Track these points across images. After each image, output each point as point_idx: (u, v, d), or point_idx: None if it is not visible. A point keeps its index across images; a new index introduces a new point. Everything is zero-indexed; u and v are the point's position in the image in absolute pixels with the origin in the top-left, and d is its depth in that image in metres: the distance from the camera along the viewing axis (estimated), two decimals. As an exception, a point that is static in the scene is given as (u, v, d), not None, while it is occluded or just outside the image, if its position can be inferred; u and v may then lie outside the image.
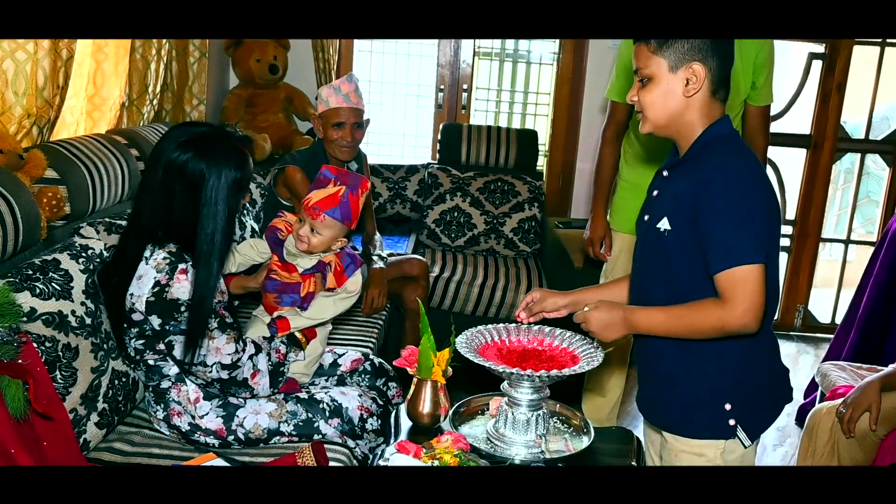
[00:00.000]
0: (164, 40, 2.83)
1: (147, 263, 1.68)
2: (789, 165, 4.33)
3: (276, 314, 1.97)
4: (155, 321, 1.65)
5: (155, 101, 2.87)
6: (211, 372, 1.72)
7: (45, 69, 2.08)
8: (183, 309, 1.65)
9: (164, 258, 1.64)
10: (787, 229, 4.33)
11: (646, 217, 1.65)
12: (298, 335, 1.94)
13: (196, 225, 1.66)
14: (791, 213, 4.34)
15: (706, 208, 1.47)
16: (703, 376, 1.58)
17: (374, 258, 2.85)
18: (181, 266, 1.64)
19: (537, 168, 4.11)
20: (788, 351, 4.19)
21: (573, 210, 4.31)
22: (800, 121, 4.28)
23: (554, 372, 1.60)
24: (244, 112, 3.79)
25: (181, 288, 1.64)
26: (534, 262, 3.70)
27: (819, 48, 4.10)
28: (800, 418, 3.27)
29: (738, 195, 1.46)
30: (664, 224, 1.56)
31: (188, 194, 1.66)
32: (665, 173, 1.64)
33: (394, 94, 4.36)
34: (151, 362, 1.76)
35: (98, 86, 2.54)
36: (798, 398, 3.38)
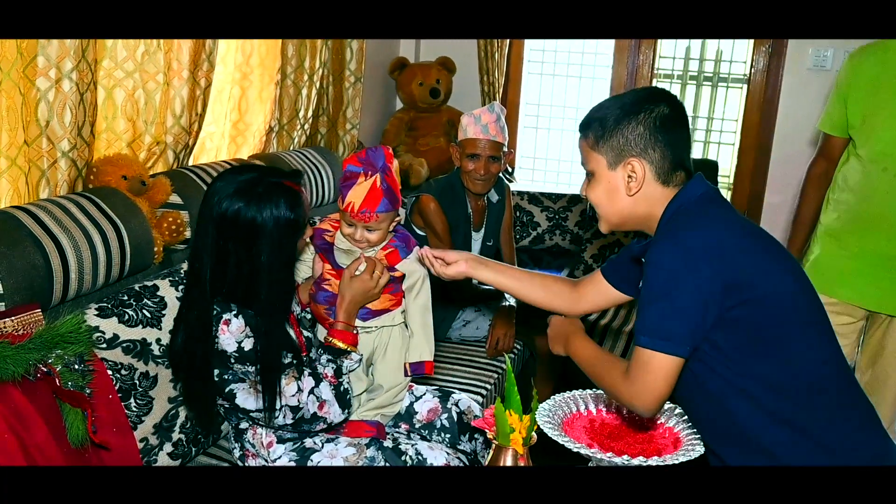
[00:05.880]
0: (318, 66, 2.88)
1: None
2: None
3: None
4: (215, 371, 1.61)
5: (307, 126, 2.93)
6: (278, 417, 1.65)
7: (184, 98, 2.17)
8: (233, 361, 1.58)
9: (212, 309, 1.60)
10: None
11: None
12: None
13: (253, 278, 1.57)
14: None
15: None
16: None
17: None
18: (224, 317, 1.57)
19: (716, 201, 3.71)
20: None
21: (758, 249, 3.83)
22: None
23: (639, 459, 1.35)
24: (405, 136, 3.79)
25: (225, 340, 1.57)
26: (700, 307, 3.32)
27: None
28: None
29: (666, 267, 1.33)
30: None
31: (244, 249, 1.56)
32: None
33: (562, 118, 4.16)
34: (227, 405, 1.73)
35: (242, 112, 2.62)
36: None
